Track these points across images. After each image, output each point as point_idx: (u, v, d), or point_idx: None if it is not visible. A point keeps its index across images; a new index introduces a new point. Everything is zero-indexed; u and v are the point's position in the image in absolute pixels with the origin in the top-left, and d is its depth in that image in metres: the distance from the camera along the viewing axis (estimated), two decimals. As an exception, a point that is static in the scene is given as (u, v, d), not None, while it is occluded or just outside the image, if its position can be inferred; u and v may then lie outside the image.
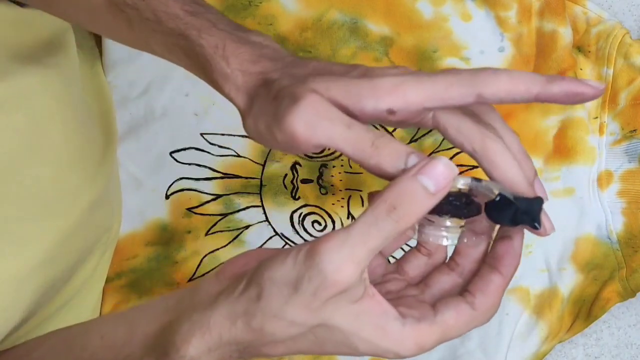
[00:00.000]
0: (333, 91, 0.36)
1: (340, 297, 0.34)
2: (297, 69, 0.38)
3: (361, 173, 0.66)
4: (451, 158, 0.65)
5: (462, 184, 0.37)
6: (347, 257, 0.33)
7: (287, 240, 0.65)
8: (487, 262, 0.39)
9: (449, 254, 0.41)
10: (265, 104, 0.37)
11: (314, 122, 0.35)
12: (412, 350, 0.35)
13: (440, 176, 0.34)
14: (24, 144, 0.47)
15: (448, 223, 0.37)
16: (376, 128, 0.66)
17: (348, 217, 0.65)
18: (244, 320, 0.35)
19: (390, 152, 0.35)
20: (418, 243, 0.41)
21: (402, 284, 0.41)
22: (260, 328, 0.35)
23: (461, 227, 0.38)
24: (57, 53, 0.55)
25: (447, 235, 0.38)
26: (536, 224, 0.36)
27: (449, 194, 0.36)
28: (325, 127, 0.35)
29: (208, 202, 0.66)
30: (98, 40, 0.67)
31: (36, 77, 0.50)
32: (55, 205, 0.50)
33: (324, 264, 0.33)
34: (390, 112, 0.36)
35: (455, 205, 0.37)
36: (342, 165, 0.66)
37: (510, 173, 0.36)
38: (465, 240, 0.39)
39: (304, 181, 0.66)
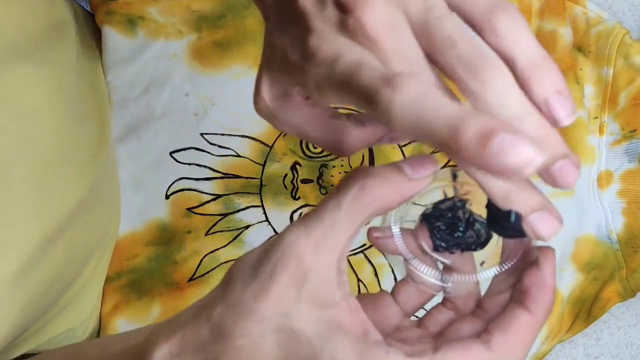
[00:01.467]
0: None
1: (304, 288, 0.29)
2: None
3: (361, 173, 0.66)
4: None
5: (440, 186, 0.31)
6: (306, 235, 0.29)
7: (287, 240, 0.65)
8: (513, 296, 0.31)
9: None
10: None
11: None
12: None
13: (419, 162, 0.30)
14: (12, 144, 0.46)
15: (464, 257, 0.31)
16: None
17: (348, 217, 0.65)
18: (206, 313, 0.30)
19: None
20: (443, 298, 0.34)
21: (414, 333, 0.33)
22: (221, 322, 0.30)
23: (481, 263, 0.32)
24: (54, 47, 0.53)
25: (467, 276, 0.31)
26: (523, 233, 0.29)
27: (441, 212, 0.31)
28: None
29: (208, 202, 0.66)
30: (98, 41, 0.67)
31: (28, 72, 0.48)
32: (42, 206, 0.48)
33: (284, 238, 0.30)
34: None
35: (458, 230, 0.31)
36: (342, 165, 0.66)
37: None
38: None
39: (304, 181, 0.66)
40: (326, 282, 0.29)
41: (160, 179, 0.66)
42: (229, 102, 0.66)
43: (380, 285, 0.66)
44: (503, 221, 0.29)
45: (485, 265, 0.32)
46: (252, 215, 0.66)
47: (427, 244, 0.32)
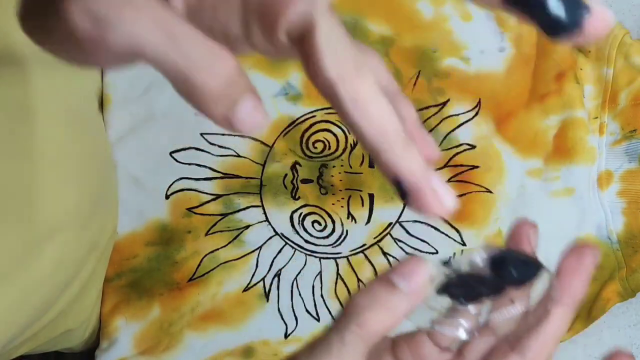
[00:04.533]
0: None
1: None
2: None
3: (361, 173, 0.66)
4: (451, 158, 0.66)
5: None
6: None
7: (287, 241, 0.65)
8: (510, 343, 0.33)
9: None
10: None
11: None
12: None
13: (408, 268, 0.30)
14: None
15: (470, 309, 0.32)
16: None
17: (348, 217, 0.65)
18: None
19: None
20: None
21: None
22: None
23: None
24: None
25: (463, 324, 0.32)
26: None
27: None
28: None
29: (208, 202, 0.66)
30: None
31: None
32: (34, 207, 0.49)
33: None
34: None
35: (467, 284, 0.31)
36: (342, 165, 0.66)
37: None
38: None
39: (304, 181, 0.66)
40: None
41: (160, 179, 0.66)
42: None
43: (380, 285, 0.66)
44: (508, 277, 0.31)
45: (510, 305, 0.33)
46: (252, 215, 0.66)
47: (448, 304, 0.32)
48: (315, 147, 0.66)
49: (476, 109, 0.66)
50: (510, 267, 0.31)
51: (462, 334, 0.32)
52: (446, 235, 0.66)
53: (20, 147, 0.48)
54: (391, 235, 0.66)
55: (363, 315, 0.29)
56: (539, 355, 0.33)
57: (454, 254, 0.66)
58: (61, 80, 0.54)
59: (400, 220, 0.66)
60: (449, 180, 0.66)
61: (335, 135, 0.66)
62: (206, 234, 0.66)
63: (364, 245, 0.65)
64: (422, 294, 0.29)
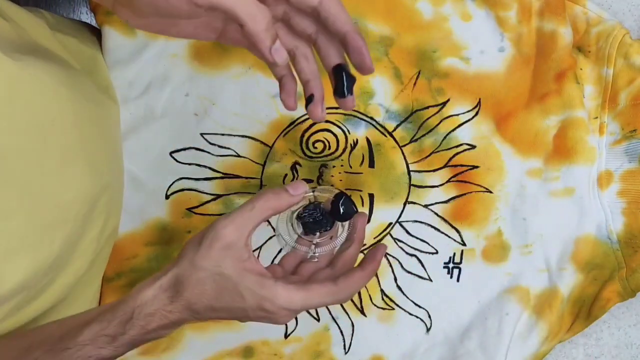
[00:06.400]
0: None
1: (229, 251, 0.49)
2: None
3: (361, 173, 0.66)
4: (451, 158, 0.66)
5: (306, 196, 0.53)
6: (230, 223, 0.49)
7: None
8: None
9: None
10: None
11: None
12: (283, 301, 0.49)
13: (297, 185, 0.52)
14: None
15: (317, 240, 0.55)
16: (382, 126, 0.66)
17: (348, 217, 0.65)
18: (173, 271, 0.49)
19: None
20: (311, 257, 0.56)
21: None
22: (182, 272, 0.49)
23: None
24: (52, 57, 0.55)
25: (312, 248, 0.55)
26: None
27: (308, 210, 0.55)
28: None
29: (208, 202, 0.66)
30: (98, 40, 0.67)
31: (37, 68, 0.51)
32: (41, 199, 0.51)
33: (216, 225, 0.50)
34: None
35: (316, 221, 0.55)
36: (342, 166, 0.66)
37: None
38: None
39: (304, 181, 0.66)
40: (241, 247, 0.49)
41: (160, 179, 0.66)
42: (229, 102, 0.66)
43: (379, 283, 0.66)
44: (337, 213, 0.54)
45: (333, 239, 0.55)
46: (252, 215, 0.66)
47: (302, 232, 0.55)
48: (315, 147, 0.66)
49: (476, 109, 0.66)
50: (342, 205, 0.54)
51: (309, 254, 0.54)
52: (446, 235, 0.66)
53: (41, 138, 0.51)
54: (391, 235, 0.66)
55: (267, 195, 0.51)
56: (343, 267, 0.53)
57: (454, 254, 0.66)
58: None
59: (400, 220, 0.66)
60: (449, 180, 0.66)
61: (335, 135, 0.66)
62: (206, 234, 0.66)
63: (364, 245, 0.65)
64: (298, 198, 0.51)
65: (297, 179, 0.65)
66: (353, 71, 0.49)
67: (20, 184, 0.47)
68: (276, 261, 0.60)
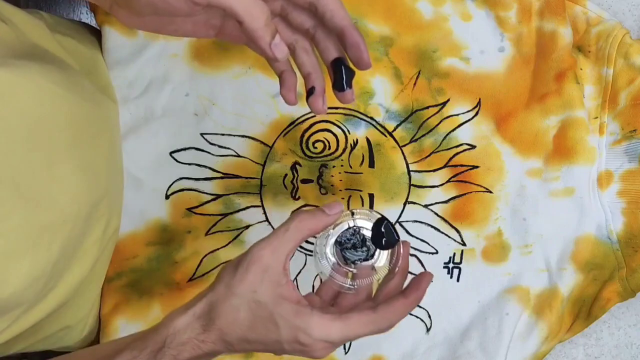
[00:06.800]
0: None
1: (266, 275, 0.47)
2: None
3: (361, 173, 0.66)
4: (451, 158, 0.66)
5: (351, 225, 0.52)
6: (267, 245, 0.48)
7: (287, 240, 0.65)
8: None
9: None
10: None
11: None
12: (318, 332, 0.46)
13: (333, 206, 0.50)
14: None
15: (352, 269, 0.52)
16: (384, 127, 0.66)
17: (348, 217, 0.65)
18: (208, 297, 0.48)
19: None
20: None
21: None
22: (216, 300, 0.47)
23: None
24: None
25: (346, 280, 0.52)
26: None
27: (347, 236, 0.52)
28: None
29: (208, 202, 0.66)
30: (98, 40, 0.67)
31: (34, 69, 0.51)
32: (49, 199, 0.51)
33: (252, 249, 0.48)
34: None
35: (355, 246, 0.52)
36: (342, 166, 0.66)
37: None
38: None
39: (304, 181, 0.66)
40: (278, 272, 0.47)
41: (160, 179, 0.66)
42: (229, 102, 0.66)
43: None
44: (379, 240, 0.51)
45: (377, 269, 0.52)
46: (252, 215, 0.66)
47: (340, 260, 0.52)
48: (315, 147, 0.66)
49: (476, 109, 0.66)
50: (384, 230, 0.50)
51: (347, 284, 0.51)
52: (446, 235, 0.66)
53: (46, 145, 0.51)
54: (391, 235, 0.66)
55: (303, 216, 0.49)
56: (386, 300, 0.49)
57: (454, 254, 0.66)
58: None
59: (400, 220, 0.66)
60: (449, 180, 0.66)
61: (335, 135, 0.66)
62: (206, 234, 0.66)
63: (364, 245, 0.65)
64: (335, 218, 0.50)
65: (297, 179, 0.65)
66: (351, 66, 0.49)
67: (11, 184, 0.47)
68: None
